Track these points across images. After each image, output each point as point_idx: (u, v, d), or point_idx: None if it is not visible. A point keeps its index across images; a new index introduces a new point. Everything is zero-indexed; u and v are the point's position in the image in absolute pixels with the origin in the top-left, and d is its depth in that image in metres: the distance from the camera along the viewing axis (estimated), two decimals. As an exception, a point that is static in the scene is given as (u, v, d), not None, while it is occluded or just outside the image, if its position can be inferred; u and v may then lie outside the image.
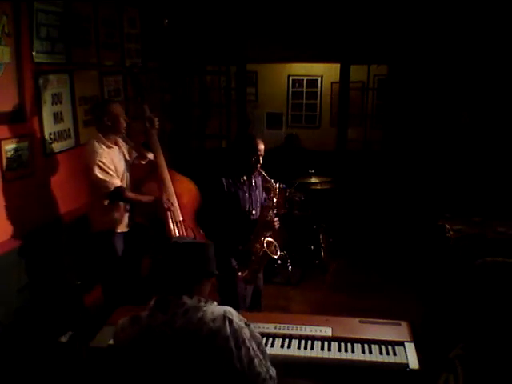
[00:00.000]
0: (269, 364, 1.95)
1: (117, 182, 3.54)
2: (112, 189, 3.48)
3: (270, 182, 3.31)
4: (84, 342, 2.87)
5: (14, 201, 3.35)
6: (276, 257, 3.29)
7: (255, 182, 3.39)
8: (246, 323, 1.93)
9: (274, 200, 3.31)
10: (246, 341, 1.86)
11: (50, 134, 3.69)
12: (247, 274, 3.22)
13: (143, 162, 3.97)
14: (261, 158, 3.28)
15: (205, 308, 1.88)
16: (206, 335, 1.81)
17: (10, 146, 3.26)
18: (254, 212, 3.38)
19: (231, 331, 1.83)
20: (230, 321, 1.85)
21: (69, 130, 3.93)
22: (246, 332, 1.88)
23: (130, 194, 3.64)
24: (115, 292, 3.73)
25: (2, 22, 3.13)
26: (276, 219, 3.32)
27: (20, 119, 3.37)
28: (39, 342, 3.37)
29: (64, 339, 3.34)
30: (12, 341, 3.25)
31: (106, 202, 3.61)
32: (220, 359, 1.80)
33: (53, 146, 3.73)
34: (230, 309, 1.93)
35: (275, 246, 3.30)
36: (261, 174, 3.33)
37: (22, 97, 3.36)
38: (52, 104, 3.70)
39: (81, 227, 4.00)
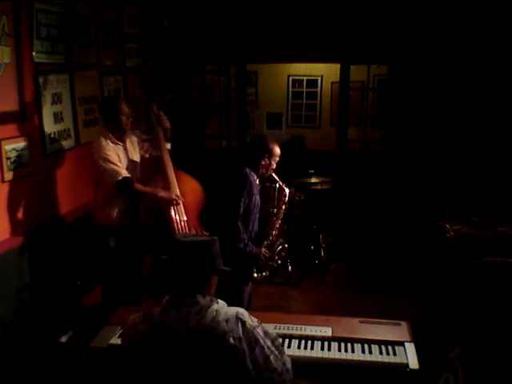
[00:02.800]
0: (285, 357, 1.96)
1: (124, 172, 3.56)
2: (120, 178, 3.49)
3: (282, 185, 3.47)
4: (84, 341, 2.88)
5: (13, 201, 3.35)
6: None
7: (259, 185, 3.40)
8: (258, 322, 1.94)
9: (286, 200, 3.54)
10: (260, 340, 1.87)
11: (50, 133, 3.70)
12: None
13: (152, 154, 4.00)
14: (273, 162, 3.33)
15: (217, 308, 1.89)
16: (219, 335, 1.81)
17: (10, 146, 3.26)
18: (257, 215, 3.41)
19: (244, 332, 1.84)
20: (243, 322, 1.86)
21: (69, 129, 3.93)
22: (259, 331, 1.89)
23: (137, 185, 3.64)
24: (113, 290, 3.74)
25: (2, 21, 3.13)
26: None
27: (20, 119, 3.38)
28: (39, 342, 3.37)
29: (64, 339, 3.34)
30: (12, 341, 3.26)
31: (112, 195, 3.61)
32: (231, 361, 1.81)
33: (53, 146, 3.73)
34: (242, 310, 1.93)
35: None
36: (274, 178, 3.41)
37: (22, 97, 3.36)
38: (52, 104, 3.70)
39: (81, 227, 4.01)
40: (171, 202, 3.71)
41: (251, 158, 3.28)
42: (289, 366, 1.95)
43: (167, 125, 3.86)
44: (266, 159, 3.25)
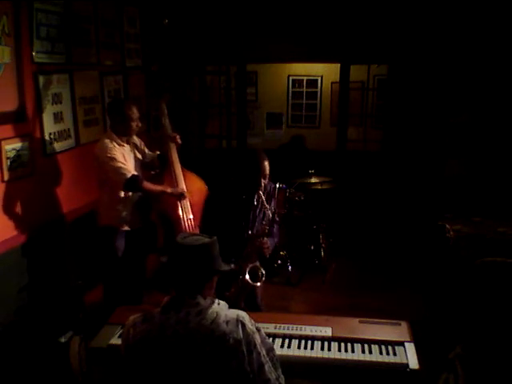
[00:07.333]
0: (280, 372, 1.96)
1: (132, 171, 3.57)
2: (129, 176, 3.49)
3: (267, 207, 3.14)
4: (84, 341, 2.88)
5: (13, 201, 3.35)
6: (258, 284, 3.10)
7: (257, 200, 3.20)
8: (257, 328, 1.93)
9: (267, 227, 3.15)
10: (258, 346, 1.86)
11: (50, 133, 3.69)
12: (231, 295, 3.06)
13: (152, 172, 4.02)
14: (263, 180, 3.12)
15: (218, 310, 1.89)
16: (219, 337, 1.81)
17: (10, 146, 3.27)
18: (249, 231, 3.22)
19: (244, 335, 1.83)
20: (243, 325, 1.86)
21: (69, 130, 3.93)
22: (257, 337, 1.89)
23: (146, 184, 3.64)
24: (115, 290, 3.75)
25: (2, 21, 3.13)
26: (267, 245, 3.16)
27: (20, 119, 3.38)
28: (39, 342, 3.37)
29: (64, 339, 3.34)
30: (12, 341, 3.26)
31: (121, 194, 3.62)
32: (231, 362, 1.80)
33: (53, 145, 3.73)
34: (243, 313, 1.93)
35: (262, 273, 3.13)
36: (260, 196, 3.14)
37: (22, 97, 3.36)
38: (52, 104, 3.70)
39: (81, 227, 4.01)
40: (179, 199, 3.74)
41: (245, 176, 3.15)
42: (283, 382, 1.94)
43: (179, 142, 3.92)
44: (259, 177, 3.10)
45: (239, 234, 3.18)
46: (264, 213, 3.20)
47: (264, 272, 3.16)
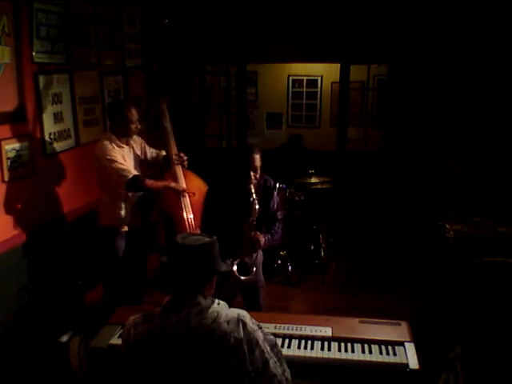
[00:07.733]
0: (285, 366, 1.96)
1: (133, 171, 3.57)
2: (130, 176, 3.49)
3: (254, 200, 3.16)
4: (84, 341, 2.88)
5: (13, 201, 3.35)
6: (243, 278, 3.14)
7: (254, 195, 3.21)
8: (258, 326, 1.93)
9: (255, 220, 3.18)
10: (260, 343, 1.87)
11: (50, 133, 3.69)
12: (225, 290, 3.10)
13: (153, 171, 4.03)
14: (253, 174, 3.16)
15: (218, 309, 1.89)
16: (220, 336, 1.81)
17: (10, 146, 3.27)
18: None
19: (245, 334, 1.84)
20: (244, 324, 1.86)
21: (69, 130, 3.93)
22: (259, 334, 1.89)
23: (148, 181, 3.63)
24: (115, 290, 3.75)
25: (2, 21, 3.13)
26: (256, 239, 3.20)
27: (20, 119, 3.38)
28: (39, 342, 3.37)
29: (64, 339, 3.34)
30: (12, 341, 3.26)
31: (119, 197, 3.63)
32: (231, 361, 1.81)
33: (53, 145, 3.73)
34: (243, 312, 1.93)
35: (250, 266, 3.19)
36: (250, 189, 3.16)
37: (21, 97, 3.36)
38: (52, 104, 3.70)
39: (81, 227, 4.01)
40: (181, 194, 3.75)
41: (235, 170, 3.25)
42: (289, 376, 1.94)
43: (185, 162, 3.94)
44: (247, 171, 3.18)
45: (238, 231, 3.19)
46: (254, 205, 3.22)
47: (253, 266, 3.19)
